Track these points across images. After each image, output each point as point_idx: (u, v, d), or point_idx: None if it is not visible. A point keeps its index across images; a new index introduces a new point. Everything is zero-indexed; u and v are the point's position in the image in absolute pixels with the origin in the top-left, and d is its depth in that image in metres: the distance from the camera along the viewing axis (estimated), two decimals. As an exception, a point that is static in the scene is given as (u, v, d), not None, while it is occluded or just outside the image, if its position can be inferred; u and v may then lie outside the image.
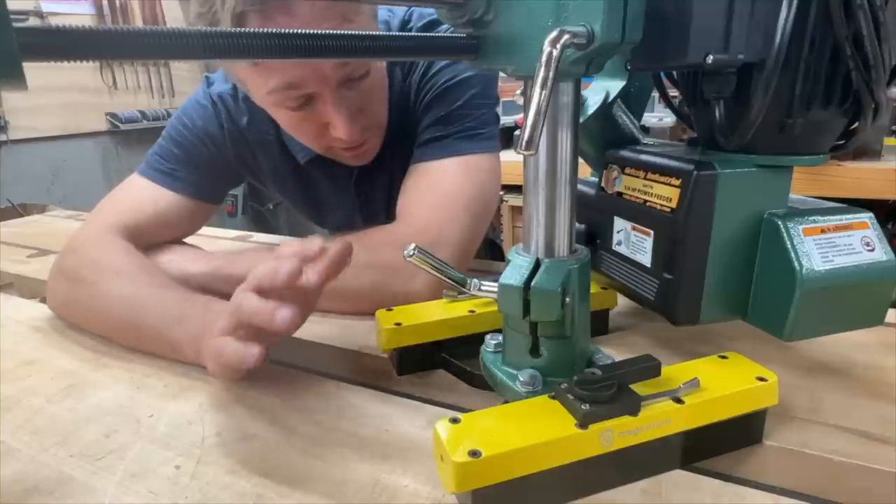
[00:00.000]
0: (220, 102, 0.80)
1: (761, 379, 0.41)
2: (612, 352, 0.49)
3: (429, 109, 0.75)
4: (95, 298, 0.62)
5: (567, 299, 0.41)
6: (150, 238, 0.73)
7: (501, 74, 0.45)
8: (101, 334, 0.64)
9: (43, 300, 0.74)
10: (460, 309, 0.55)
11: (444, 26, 0.76)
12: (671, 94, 0.53)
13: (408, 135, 0.77)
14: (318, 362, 0.58)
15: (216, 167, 0.81)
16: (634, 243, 0.50)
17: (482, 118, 0.74)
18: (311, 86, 0.63)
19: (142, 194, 0.76)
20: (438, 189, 0.70)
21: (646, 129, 0.57)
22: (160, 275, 0.64)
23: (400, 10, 0.79)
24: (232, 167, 0.84)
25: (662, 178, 0.46)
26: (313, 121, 0.68)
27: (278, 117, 0.72)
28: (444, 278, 0.53)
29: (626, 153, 0.52)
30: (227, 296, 0.68)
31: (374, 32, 0.38)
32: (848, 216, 0.44)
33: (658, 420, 0.38)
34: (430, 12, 0.77)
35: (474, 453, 0.34)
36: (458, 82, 0.74)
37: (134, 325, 0.59)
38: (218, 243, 1.04)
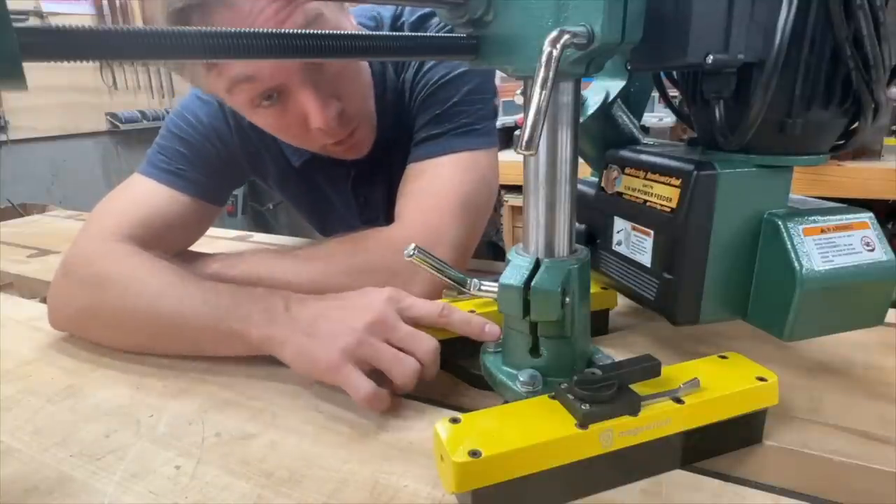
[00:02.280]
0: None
1: (761, 379, 0.41)
2: (612, 352, 0.49)
3: (424, 108, 0.74)
4: (130, 300, 0.57)
5: (567, 299, 0.41)
6: (160, 242, 0.68)
7: (501, 74, 0.45)
8: (127, 342, 0.60)
9: (43, 300, 0.74)
10: (460, 309, 0.55)
11: (435, 20, 0.76)
12: (671, 94, 0.53)
13: (405, 134, 0.76)
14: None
15: (225, 166, 0.78)
16: (634, 243, 0.50)
17: (478, 113, 0.73)
18: (273, 77, 0.61)
19: (148, 196, 0.71)
20: (435, 188, 0.70)
21: (646, 129, 0.57)
22: (188, 273, 0.60)
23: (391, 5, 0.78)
24: (239, 165, 0.81)
25: (662, 178, 0.46)
26: (292, 118, 0.66)
27: (259, 121, 0.70)
28: (443, 278, 0.53)
29: (626, 153, 0.52)
30: None
31: (375, 32, 0.38)
32: (848, 216, 0.44)
33: (658, 420, 0.38)
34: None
35: (474, 453, 0.34)
36: (453, 78, 0.73)
37: (181, 317, 0.55)
38: (218, 243, 1.04)
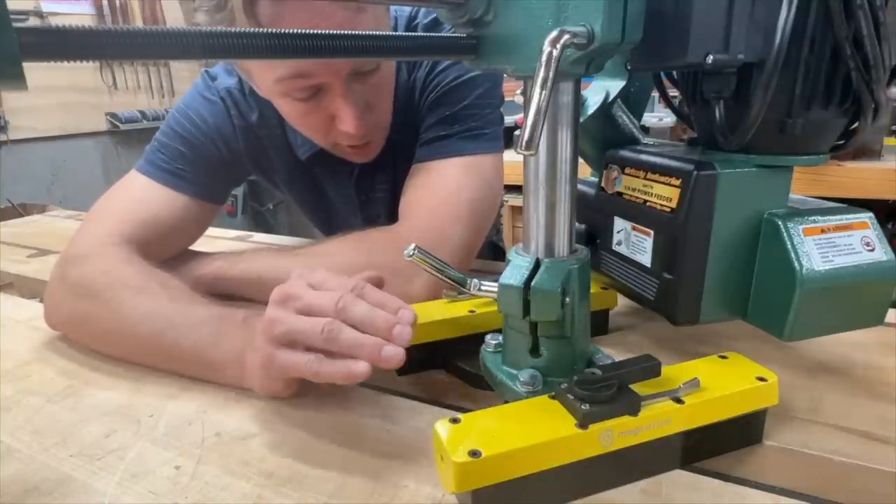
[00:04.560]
0: (228, 98, 0.76)
1: (761, 379, 0.41)
2: (612, 352, 0.49)
3: (433, 108, 0.74)
4: (116, 318, 0.57)
5: (567, 299, 0.41)
6: (159, 244, 0.69)
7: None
8: (116, 355, 0.59)
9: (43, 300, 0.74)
10: (460, 309, 0.55)
11: None
12: (671, 94, 0.53)
13: (411, 133, 0.76)
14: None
15: (226, 167, 0.78)
16: (634, 243, 0.50)
17: (487, 118, 0.73)
18: (321, 76, 0.62)
19: (148, 197, 0.70)
20: (440, 189, 0.70)
21: (646, 129, 0.57)
22: (183, 289, 0.59)
23: (407, 7, 0.78)
24: (242, 165, 0.81)
25: (662, 178, 0.46)
26: (320, 113, 0.67)
27: (283, 108, 0.70)
28: (444, 278, 0.53)
29: (626, 153, 0.52)
30: (230, 297, 0.68)
31: (376, 32, 0.37)
32: (848, 216, 0.44)
33: (658, 420, 0.38)
34: (436, 9, 0.77)
35: (474, 453, 0.34)
36: (464, 82, 0.73)
37: (165, 345, 0.54)
38: (218, 243, 1.04)
